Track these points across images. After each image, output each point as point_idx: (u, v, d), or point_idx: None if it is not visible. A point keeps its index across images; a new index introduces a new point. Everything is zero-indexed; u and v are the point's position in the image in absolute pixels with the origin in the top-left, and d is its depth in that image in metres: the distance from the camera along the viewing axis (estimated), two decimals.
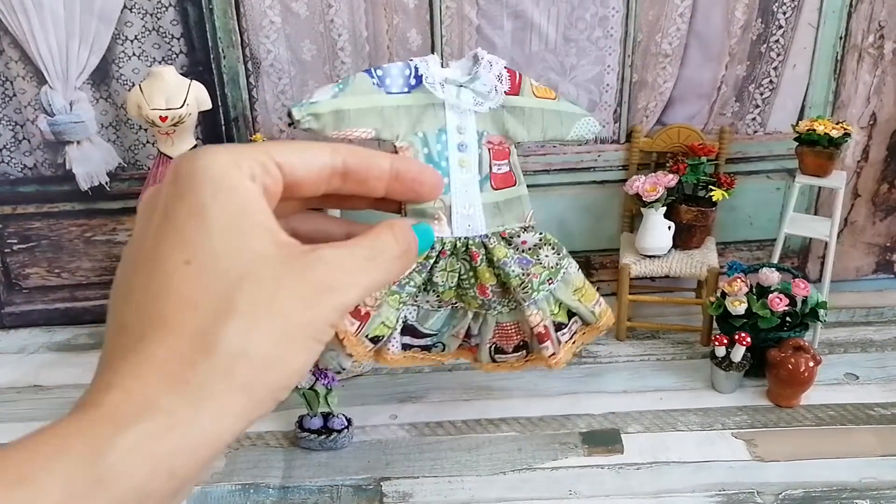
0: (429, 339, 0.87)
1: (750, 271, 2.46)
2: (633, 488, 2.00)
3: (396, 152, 0.63)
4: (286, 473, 2.08)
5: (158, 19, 2.53)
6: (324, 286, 0.41)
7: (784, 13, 2.56)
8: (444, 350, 1.07)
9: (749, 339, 2.27)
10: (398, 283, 0.61)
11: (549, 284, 0.75)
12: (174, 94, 2.35)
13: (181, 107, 2.34)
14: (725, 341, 2.31)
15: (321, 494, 2.00)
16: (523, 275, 0.72)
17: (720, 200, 2.48)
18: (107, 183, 2.73)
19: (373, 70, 0.60)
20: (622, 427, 2.20)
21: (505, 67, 0.79)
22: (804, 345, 2.30)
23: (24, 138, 2.67)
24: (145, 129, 2.64)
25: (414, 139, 0.63)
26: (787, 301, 2.31)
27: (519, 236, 0.74)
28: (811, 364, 2.25)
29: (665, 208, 2.48)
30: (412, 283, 0.65)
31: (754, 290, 2.38)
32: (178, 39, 2.56)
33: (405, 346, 0.99)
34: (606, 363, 2.49)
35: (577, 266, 0.82)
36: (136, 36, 2.54)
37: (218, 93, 2.60)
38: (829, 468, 2.05)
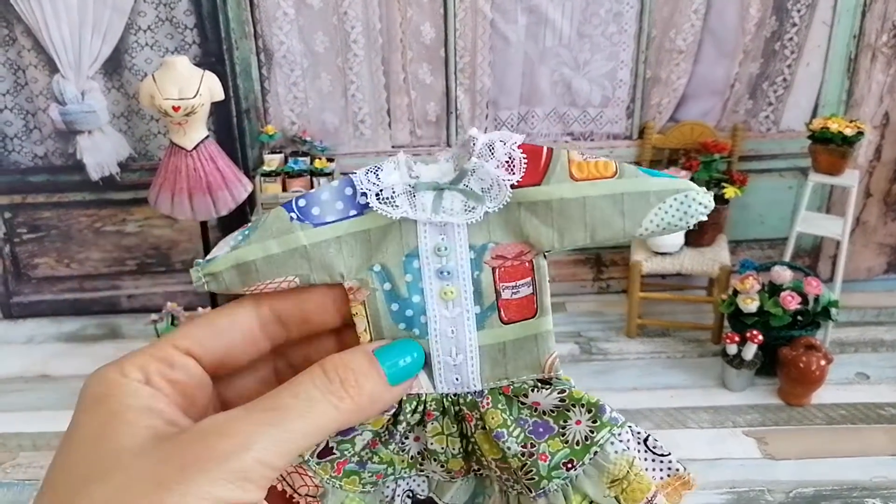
0: None
1: (762, 269, 2.45)
2: None
3: (346, 307, 0.43)
4: None
5: (172, 9, 2.52)
6: (195, 460, 0.36)
7: (798, 11, 2.55)
8: None
9: (761, 337, 2.26)
10: (357, 458, 0.39)
11: (569, 469, 0.42)
12: (187, 84, 2.34)
13: (194, 97, 2.33)
14: (737, 339, 2.30)
15: None
16: (524, 454, 0.42)
17: (732, 198, 2.47)
18: (117, 173, 2.72)
19: (293, 202, 0.40)
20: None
21: (519, 146, 0.41)
22: (816, 343, 2.29)
23: (35, 127, 2.66)
24: (157, 120, 2.64)
25: (367, 276, 0.40)
26: (799, 299, 2.30)
27: (527, 395, 0.43)
28: (822, 363, 2.24)
29: None
30: (378, 459, 0.40)
31: (766, 288, 2.38)
32: (192, 30, 2.55)
33: None
34: (617, 360, 2.48)
35: (638, 438, 0.43)
36: (149, 26, 2.54)
37: (230, 84, 2.60)
38: (839, 467, 2.05)
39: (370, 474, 0.48)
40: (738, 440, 2.15)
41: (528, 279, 0.50)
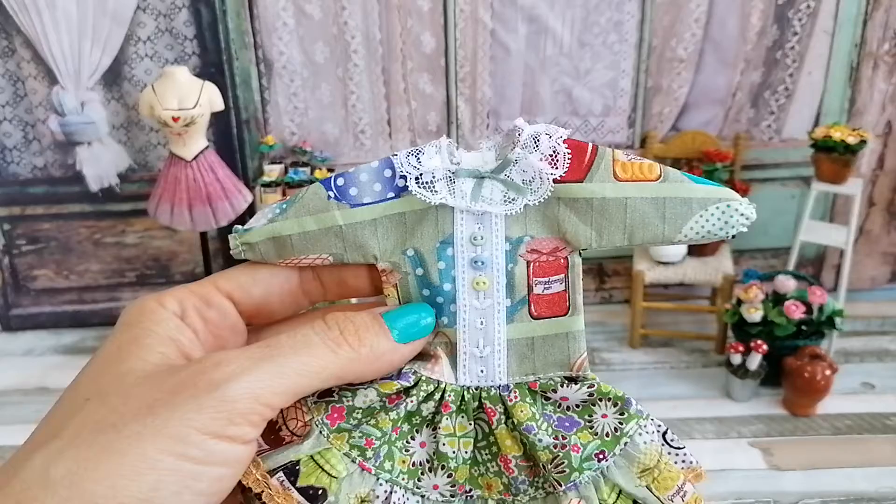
0: None
1: (766, 278, 2.43)
2: None
3: (380, 276, 0.43)
4: None
5: (172, 20, 2.52)
6: (186, 387, 0.37)
7: (800, 20, 2.55)
8: None
9: (765, 347, 2.24)
10: (355, 419, 0.37)
11: (600, 461, 0.41)
12: (187, 94, 2.33)
13: (193, 107, 2.32)
14: (741, 349, 2.29)
15: None
16: (556, 446, 0.41)
17: None
18: (117, 184, 2.71)
19: (332, 180, 0.39)
20: None
21: (564, 140, 0.40)
22: (821, 353, 2.27)
23: (34, 139, 2.66)
24: (156, 131, 2.63)
25: (400, 260, 0.39)
26: (803, 308, 2.28)
27: (556, 390, 0.42)
28: (827, 372, 2.22)
29: None
30: (374, 423, 0.38)
31: (770, 297, 2.36)
32: (192, 41, 2.55)
33: None
34: (620, 370, 2.46)
35: (659, 431, 0.42)
36: (148, 37, 2.53)
37: (230, 94, 2.59)
38: (845, 477, 2.02)
39: (360, 436, 0.46)
40: (742, 451, 2.13)
41: (562, 276, 0.49)
